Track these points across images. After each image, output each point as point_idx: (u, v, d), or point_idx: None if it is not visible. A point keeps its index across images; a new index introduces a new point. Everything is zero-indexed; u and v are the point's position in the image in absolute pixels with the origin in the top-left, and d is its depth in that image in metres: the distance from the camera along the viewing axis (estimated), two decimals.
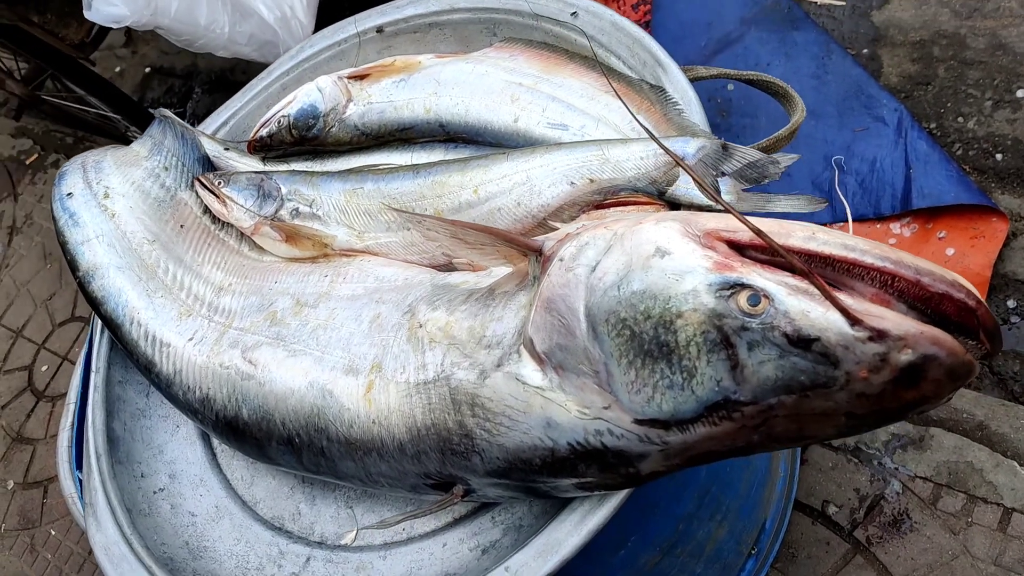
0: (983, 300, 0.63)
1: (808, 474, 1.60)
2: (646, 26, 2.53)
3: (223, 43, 1.89)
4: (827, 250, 0.66)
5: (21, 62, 2.81)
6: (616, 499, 0.86)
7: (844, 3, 2.46)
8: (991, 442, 1.51)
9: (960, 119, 2.16)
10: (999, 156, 2.08)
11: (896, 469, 1.55)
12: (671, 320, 0.69)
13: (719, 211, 0.79)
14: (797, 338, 0.64)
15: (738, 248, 0.71)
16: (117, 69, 3.69)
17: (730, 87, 2.39)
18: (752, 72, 1.16)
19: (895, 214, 2.10)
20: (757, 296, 0.66)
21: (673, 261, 0.71)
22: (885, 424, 0.70)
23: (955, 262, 2.00)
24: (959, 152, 2.14)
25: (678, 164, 0.71)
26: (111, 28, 2.62)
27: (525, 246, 0.85)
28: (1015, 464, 1.48)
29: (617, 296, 0.73)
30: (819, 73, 2.32)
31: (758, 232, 0.65)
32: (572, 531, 0.87)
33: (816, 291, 0.64)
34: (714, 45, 2.51)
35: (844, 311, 0.62)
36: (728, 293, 0.67)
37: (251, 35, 1.94)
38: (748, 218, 0.67)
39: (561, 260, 0.80)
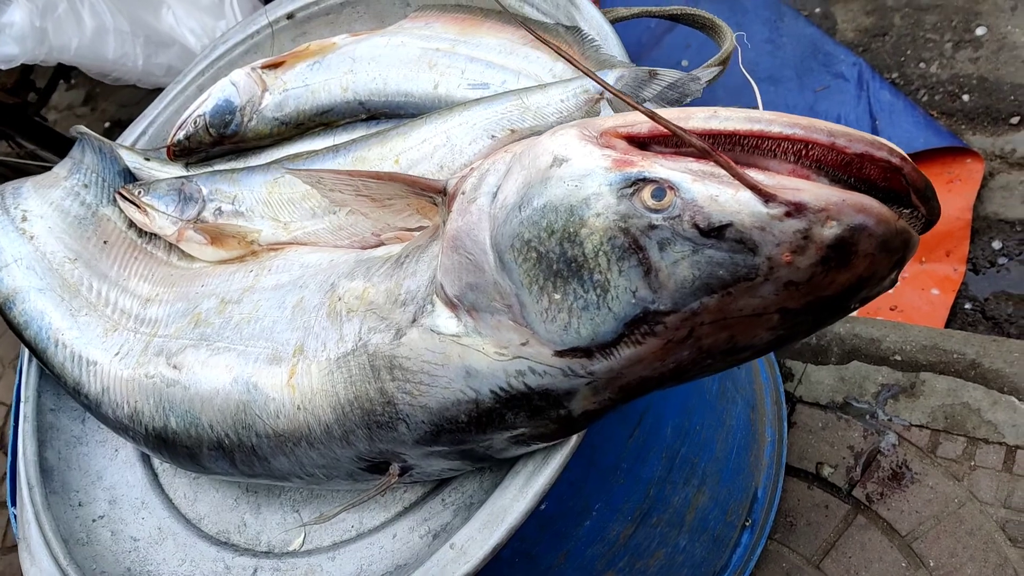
0: (909, 159, 0.56)
1: (798, 436, 1.51)
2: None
3: (137, 75, 1.86)
4: (731, 126, 0.59)
5: None
6: (561, 455, 0.79)
7: None
8: (986, 380, 1.42)
9: (922, 64, 2.10)
10: (966, 97, 2.01)
11: (889, 420, 1.46)
12: (575, 231, 0.62)
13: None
14: (708, 227, 0.57)
15: (640, 143, 0.64)
16: None
17: (685, 63, 2.33)
18: (675, 8, 1.11)
19: None
20: (661, 188, 0.59)
21: (571, 167, 0.64)
22: (828, 321, 0.63)
23: None
24: (924, 98, 2.07)
25: (602, 85, 0.65)
26: (58, 83, 2.61)
27: (428, 187, 0.78)
28: (1013, 399, 1.39)
29: (519, 217, 0.66)
30: (773, 37, 2.26)
31: (652, 116, 0.58)
32: (517, 496, 0.79)
33: (725, 174, 0.57)
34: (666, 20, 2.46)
35: (754, 188, 0.55)
36: (630, 191, 0.60)
37: (169, 67, 1.90)
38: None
39: (463, 194, 0.73)
